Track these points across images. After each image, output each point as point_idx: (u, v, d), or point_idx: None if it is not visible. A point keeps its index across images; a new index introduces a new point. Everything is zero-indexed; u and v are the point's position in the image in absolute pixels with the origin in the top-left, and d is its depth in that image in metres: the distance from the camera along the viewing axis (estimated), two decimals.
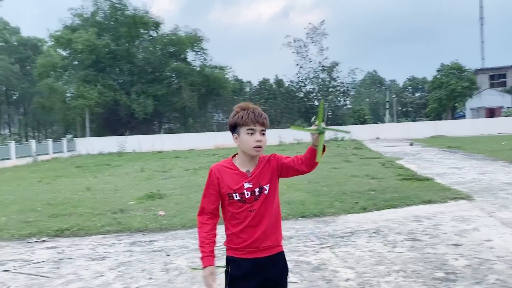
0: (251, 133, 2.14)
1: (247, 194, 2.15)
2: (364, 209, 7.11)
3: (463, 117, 52.46)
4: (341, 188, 9.24)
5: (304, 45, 48.33)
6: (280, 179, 2.25)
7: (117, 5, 41.34)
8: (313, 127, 2.00)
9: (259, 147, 2.15)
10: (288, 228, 6.15)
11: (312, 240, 5.47)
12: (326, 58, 48.36)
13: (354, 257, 4.70)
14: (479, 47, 61.51)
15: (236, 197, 2.16)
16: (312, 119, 2.00)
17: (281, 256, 2.25)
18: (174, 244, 5.67)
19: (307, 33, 47.99)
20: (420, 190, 8.60)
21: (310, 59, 48.52)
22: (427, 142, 27.94)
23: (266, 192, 2.16)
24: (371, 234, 5.62)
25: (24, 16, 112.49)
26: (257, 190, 2.16)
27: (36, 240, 6.27)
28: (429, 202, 7.46)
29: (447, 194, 7.98)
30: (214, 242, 2.23)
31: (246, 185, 2.16)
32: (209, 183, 2.24)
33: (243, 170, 2.19)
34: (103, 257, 5.23)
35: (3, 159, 24.21)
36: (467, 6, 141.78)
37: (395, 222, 6.20)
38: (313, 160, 2.09)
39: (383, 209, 7.15)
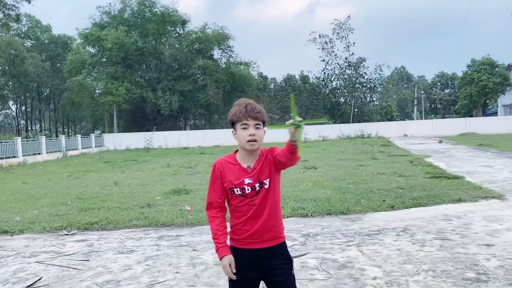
0: (245, 128, 2.18)
1: (248, 189, 2.20)
2: (392, 207, 6.99)
3: (494, 114, 51.04)
4: (368, 185, 9.11)
5: (330, 41, 47.91)
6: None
7: (146, 3, 41.82)
8: (289, 122, 1.93)
9: (253, 141, 2.17)
10: (314, 225, 6.12)
11: (339, 238, 5.41)
12: (352, 54, 47.86)
13: (381, 256, 4.62)
14: (511, 42, 59.54)
15: (237, 191, 2.21)
16: (291, 114, 1.93)
17: (282, 246, 2.27)
18: (200, 239, 5.71)
19: (333, 29, 47.56)
20: (450, 188, 8.40)
21: (336, 54, 48.10)
22: (456, 139, 27.28)
23: (266, 186, 2.20)
24: (399, 233, 5.52)
25: (55, 14, 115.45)
26: (257, 185, 2.20)
27: (66, 233, 6.43)
28: (459, 201, 7.28)
29: (478, 193, 7.77)
30: (226, 233, 2.26)
31: (247, 181, 2.20)
32: (214, 177, 2.29)
33: (244, 165, 2.23)
34: (131, 250, 5.32)
35: (34, 154, 24.95)
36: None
37: (423, 221, 6.07)
38: (291, 155, 2.07)
39: (411, 207, 7.01)
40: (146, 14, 42.10)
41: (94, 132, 40.89)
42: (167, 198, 8.85)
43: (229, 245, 2.26)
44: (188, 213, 7.18)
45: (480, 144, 20.98)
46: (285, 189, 8.97)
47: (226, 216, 2.30)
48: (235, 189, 2.21)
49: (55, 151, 27.32)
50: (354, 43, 48.16)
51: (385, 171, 11.47)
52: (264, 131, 2.24)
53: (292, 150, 2.03)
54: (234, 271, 2.18)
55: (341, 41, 47.74)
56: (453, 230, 5.51)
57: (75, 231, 6.48)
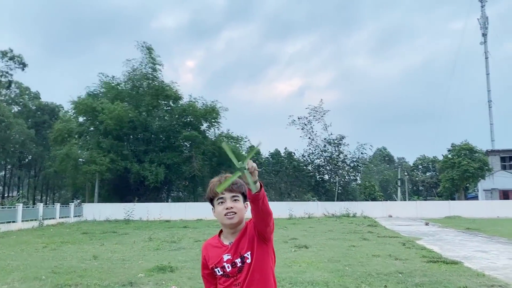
0: (222, 202, 2.04)
1: (228, 267, 1.99)
2: None
3: (475, 198, 51.64)
4: (365, 268, 8.65)
5: (309, 122, 48.90)
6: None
7: (149, 75, 42.62)
8: (239, 163, 1.77)
9: (231, 213, 2.01)
10: None
11: None
12: (331, 134, 48.80)
13: None
14: (488, 129, 62.17)
15: (219, 272, 2.03)
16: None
17: None
18: None
19: (309, 112, 48.75)
20: (451, 274, 8.01)
21: (316, 134, 49.01)
22: (442, 222, 27.11)
23: (248, 261, 1.97)
24: None
25: (45, 81, 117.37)
26: (238, 260, 1.99)
27: None
28: None
29: (482, 281, 7.39)
30: None
31: (226, 257, 2.01)
32: (201, 264, 2.15)
33: (226, 243, 2.07)
34: None
35: (8, 222, 23.74)
36: (476, 89, 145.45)
37: None
38: (253, 205, 1.86)
39: None
40: (141, 88, 42.78)
41: (73, 201, 39.67)
42: (150, 275, 8.22)
43: None
44: None
45: (468, 228, 20.79)
46: (279, 269, 8.45)
47: None
48: (216, 270, 2.03)
49: (31, 220, 26.09)
50: (331, 123, 49.87)
51: (379, 253, 11.04)
52: (246, 205, 2.04)
53: (251, 198, 1.83)
54: None
55: (318, 122, 48.90)
56: None
57: None
